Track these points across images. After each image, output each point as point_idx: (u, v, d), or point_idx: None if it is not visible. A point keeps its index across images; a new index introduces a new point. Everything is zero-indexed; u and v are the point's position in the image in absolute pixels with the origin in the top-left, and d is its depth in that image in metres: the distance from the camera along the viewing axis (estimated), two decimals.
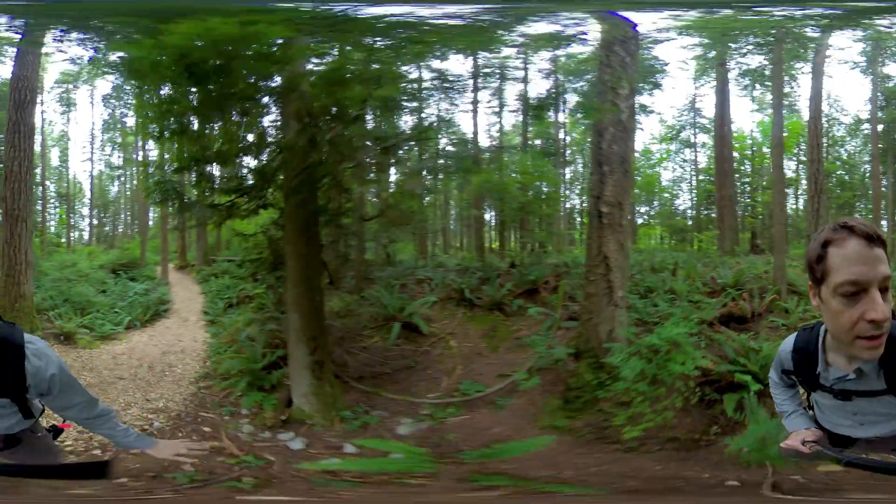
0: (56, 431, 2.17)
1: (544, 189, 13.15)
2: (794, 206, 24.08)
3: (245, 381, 6.28)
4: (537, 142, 16.82)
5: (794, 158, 22.62)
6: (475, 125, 10.60)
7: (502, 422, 5.04)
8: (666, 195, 29.71)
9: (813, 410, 1.70)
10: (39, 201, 24.13)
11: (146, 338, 9.69)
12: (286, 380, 6.22)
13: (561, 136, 20.04)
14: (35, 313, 8.53)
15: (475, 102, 9.48)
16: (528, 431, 4.78)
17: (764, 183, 21.59)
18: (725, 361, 4.82)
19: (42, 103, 23.86)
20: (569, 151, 20.86)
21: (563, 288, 7.45)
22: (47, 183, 27.59)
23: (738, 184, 23.93)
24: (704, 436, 4.23)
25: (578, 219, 23.49)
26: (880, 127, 20.18)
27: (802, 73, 16.78)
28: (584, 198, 22.20)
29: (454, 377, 6.14)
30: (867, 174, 22.22)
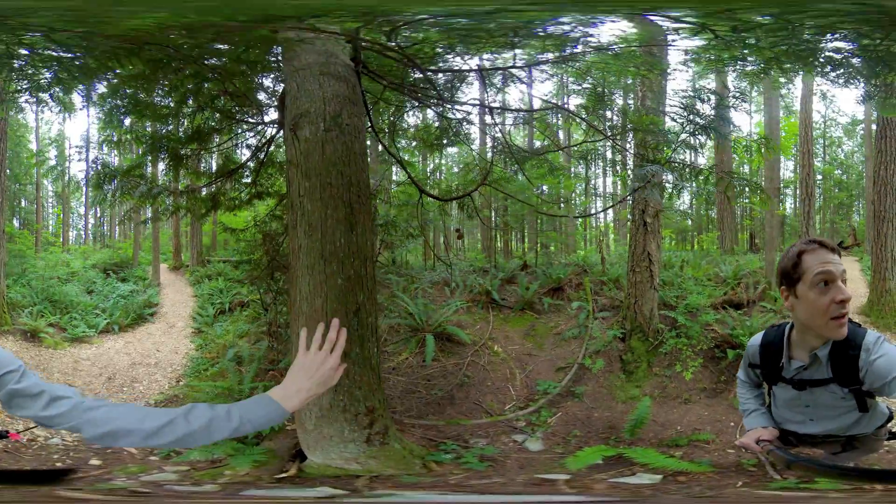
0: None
1: (544, 190, 12.85)
2: (792, 206, 24.16)
3: None
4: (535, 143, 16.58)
5: (793, 159, 22.66)
6: (482, 126, 10.19)
7: (593, 406, 5.64)
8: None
9: (771, 407, 1.93)
10: (34, 200, 23.58)
11: (121, 344, 8.92)
12: (289, 425, 4.31)
13: (561, 135, 19.85)
14: (6, 309, 8.39)
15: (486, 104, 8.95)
16: (618, 407, 5.59)
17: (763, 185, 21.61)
18: (728, 328, 6.42)
19: (38, 103, 23.31)
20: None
21: (588, 284, 7.99)
22: (45, 182, 26.93)
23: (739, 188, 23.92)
24: (717, 384, 5.78)
25: (579, 220, 23.31)
26: (874, 127, 20.26)
27: (798, 73, 16.57)
28: (582, 196, 22.03)
29: (519, 382, 5.93)
30: (865, 174, 22.32)
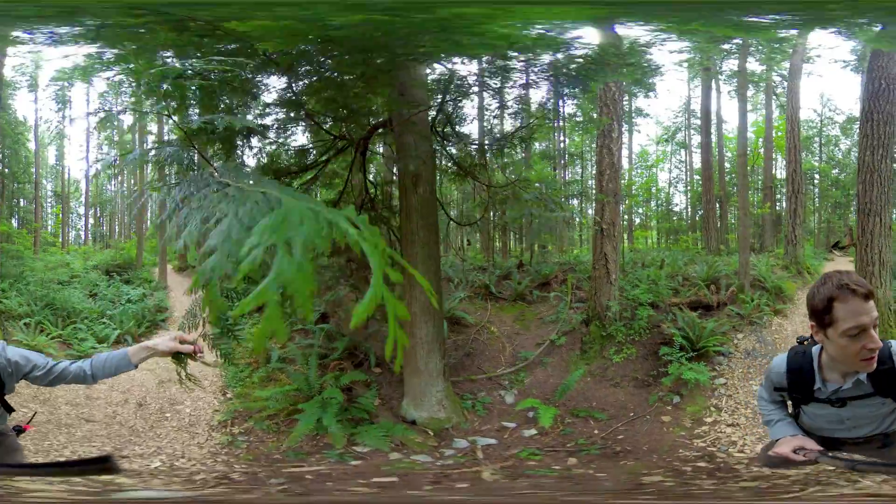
0: (18, 431, 2.26)
1: (544, 191, 13.05)
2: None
3: (332, 416, 4.90)
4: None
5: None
6: (480, 128, 10.40)
7: (552, 373, 7.12)
8: (662, 196, 29.82)
9: (798, 419, 1.96)
10: (32, 199, 23.57)
11: None
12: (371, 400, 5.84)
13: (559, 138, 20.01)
14: (3, 320, 7.56)
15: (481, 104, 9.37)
16: (567, 377, 6.81)
17: (759, 185, 21.78)
18: (676, 327, 7.05)
19: (37, 101, 23.37)
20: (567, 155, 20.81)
21: (571, 280, 9.34)
22: (44, 181, 26.86)
23: (733, 187, 24.09)
24: (648, 377, 6.55)
25: (578, 219, 23.49)
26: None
27: (790, 72, 16.82)
28: (579, 198, 22.20)
29: (508, 352, 7.72)
30: None
